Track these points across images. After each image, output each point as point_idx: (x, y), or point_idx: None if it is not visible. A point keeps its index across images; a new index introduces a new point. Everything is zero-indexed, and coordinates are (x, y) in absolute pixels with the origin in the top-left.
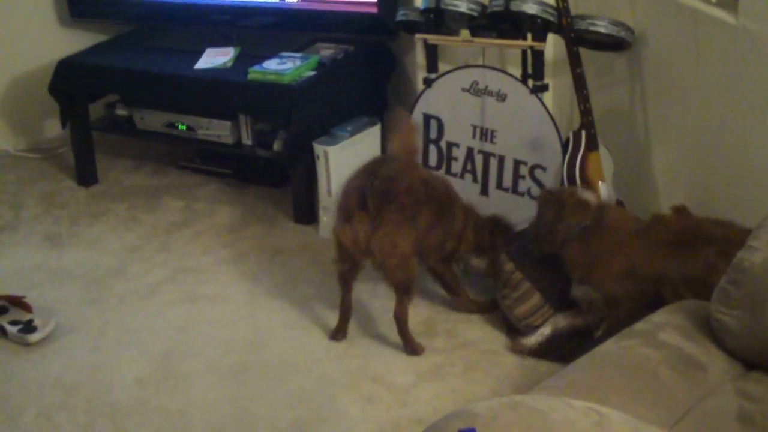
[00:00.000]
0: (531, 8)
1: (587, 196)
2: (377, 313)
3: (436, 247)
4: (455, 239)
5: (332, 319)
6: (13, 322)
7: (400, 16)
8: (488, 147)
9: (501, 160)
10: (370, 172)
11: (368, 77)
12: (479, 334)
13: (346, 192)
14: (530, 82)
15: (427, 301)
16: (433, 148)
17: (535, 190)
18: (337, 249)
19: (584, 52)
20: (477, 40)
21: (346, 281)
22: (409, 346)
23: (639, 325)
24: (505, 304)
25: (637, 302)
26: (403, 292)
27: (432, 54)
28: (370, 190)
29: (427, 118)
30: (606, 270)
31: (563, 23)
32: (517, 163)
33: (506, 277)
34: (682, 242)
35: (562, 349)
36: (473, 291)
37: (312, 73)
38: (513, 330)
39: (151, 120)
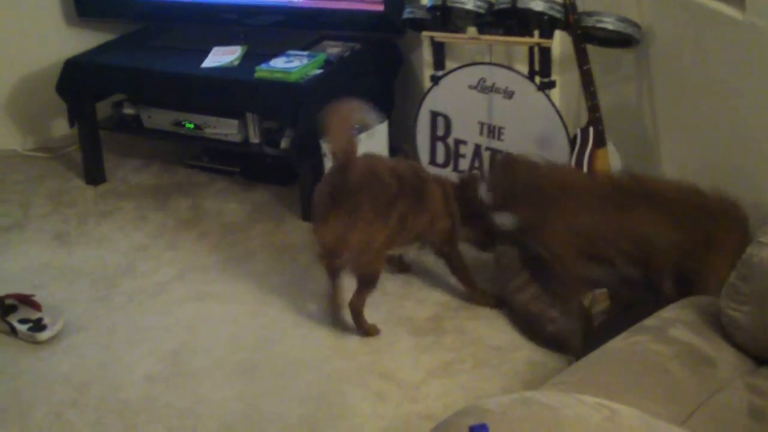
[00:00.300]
0: (538, 5)
1: (528, 157)
2: (386, 311)
3: (428, 231)
4: (445, 217)
5: (341, 315)
6: (22, 321)
7: (407, 13)
8: (496, 144)
9: None
10: (338, 173)
11: (375, 75)
12: (488, 330)
13: (319, 193)
14: (537, 79)
15: (435, 298)
16: (440, 146)
17: None
18: (318, 246)
19: (591, 49)
20: (484, 37)
21: (333, 272)
22: (363, 329)
23: (649, 321)
24: (508, 290)
25: (580, 259)
26: (367, 284)
27: (439, 51)
28: (340, 190)
29: (434, 115)
30: (547, 227)
31: (570, 20)
32: None
33: (507, 263)
34: (623, 198)
35: (571, 343)
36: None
37: (319, 71)
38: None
39: (159, 119)
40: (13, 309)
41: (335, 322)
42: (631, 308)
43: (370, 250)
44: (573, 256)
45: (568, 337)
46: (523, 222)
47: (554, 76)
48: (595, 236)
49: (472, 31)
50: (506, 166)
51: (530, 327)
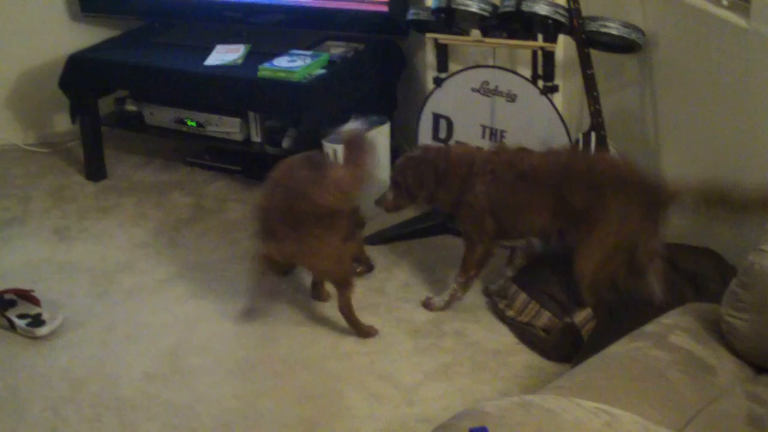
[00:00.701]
0: (542, 9)
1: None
2: (385, 312)
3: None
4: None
5: (340, 316)
6: (21, 316)
7: (411, 15)
8: None
9: None
10: (286, 188)
11: (378, 76)
12: (487, 334)
13: (266, 210)
14: (540, 83)
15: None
16: None
17: None
18: (261, 261)
19: (595, 54)
20: (488, 40)
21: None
22: (361, 331)
23: (649, 327)
24: (500, 311)
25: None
26: (343, 285)
27: (442, 53)
28: (291, 211)
29: (436, 117)
30: (460, 213)
31: (574, 24)
32: None
33: (496, 290)
34: (510, 175)
35: (563, 349)
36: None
37: (322, 71)
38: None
39: (161, 116)
40: (11, 304)
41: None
42: (615, 313)
43: (325, 262)
44: (482, 232)
45: (555, 345)
46: (442, 204)
47: (557, 81)
48: (499, 211)
49: (476, 33)
50: (412, 161)
51: (524, 336)
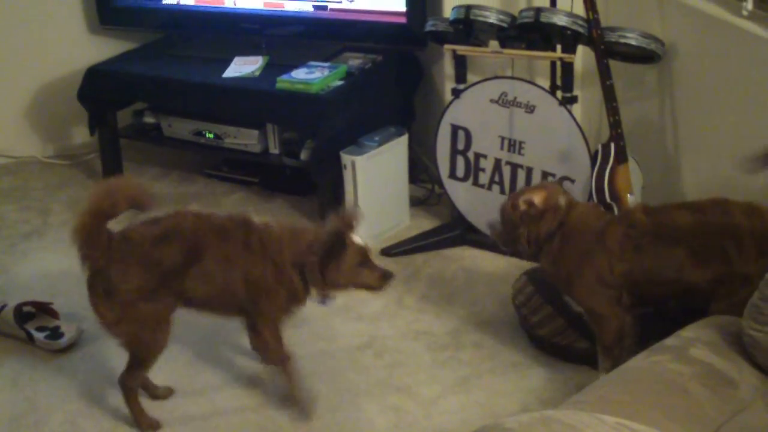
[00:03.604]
0: (561, 20)
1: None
2: (403, 324)
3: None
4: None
5: (358, 329)
6: (40, 329)
7: (429, 26)
8: (516, 158)
9: (529, 171)
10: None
11: (396, 87)
12: (506, 346)
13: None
14: (559, 94)
15: (454, 311)
16: (460, 159)
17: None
18: None
19: (614, 64)
20: (506, 51)
21: None
22: (138, 421)
23: (669, 341)
24: (528, 324)
25: (623, 314)
26: (134, 362)
27: (461, 65)
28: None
29: (455, 128)
30: (579, 282)
31: (593, 35)
32: (546, 175)
33: (525, 299)
34: (651, 239)
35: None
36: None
37: (340, 82)
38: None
39: (179, 128)
40: (30, 317)
41: None
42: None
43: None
44: (615, 314)
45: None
46: (551, 274)
47: (576, 91)
48: (632, 283)
49: (494, 44)
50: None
51: (558, 352)
